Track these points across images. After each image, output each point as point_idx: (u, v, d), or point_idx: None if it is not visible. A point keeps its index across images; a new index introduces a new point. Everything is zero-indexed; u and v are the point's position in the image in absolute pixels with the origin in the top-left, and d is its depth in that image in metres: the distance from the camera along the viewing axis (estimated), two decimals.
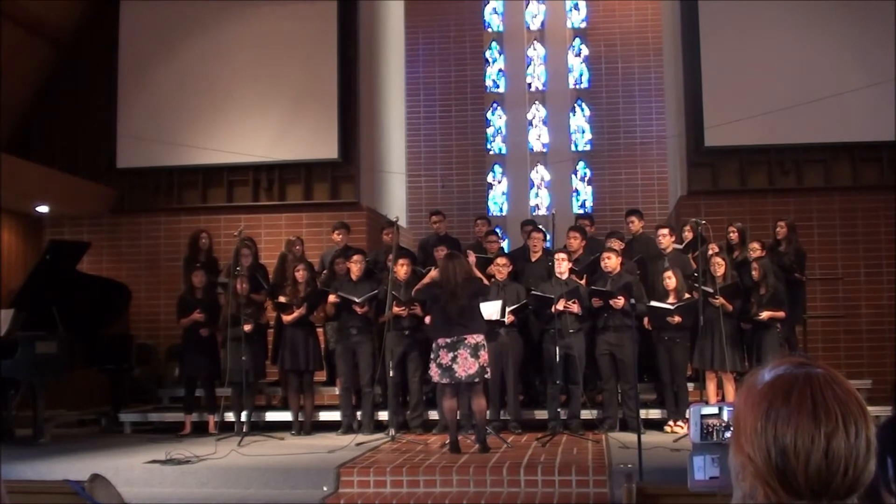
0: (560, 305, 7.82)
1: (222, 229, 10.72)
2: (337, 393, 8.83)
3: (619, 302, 7.86)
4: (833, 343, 10.14)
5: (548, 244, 9.32)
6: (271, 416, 9.10)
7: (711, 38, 10.56)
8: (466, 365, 6.99)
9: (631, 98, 13.95)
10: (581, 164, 14.30)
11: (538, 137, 14.53)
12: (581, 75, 14.43)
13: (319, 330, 9.06)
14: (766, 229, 9.37)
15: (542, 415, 8.40)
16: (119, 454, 7.49)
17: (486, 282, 7.86)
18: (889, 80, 9.84)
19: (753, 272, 8.07)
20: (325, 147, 11.06)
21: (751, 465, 1.16)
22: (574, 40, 14.51)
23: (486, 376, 7.19)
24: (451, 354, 7.00)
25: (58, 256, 8.99)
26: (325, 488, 6.29)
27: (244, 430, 8.33)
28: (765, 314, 7.88)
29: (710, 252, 8.23)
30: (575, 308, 7.99)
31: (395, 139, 12.94)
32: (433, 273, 7.84)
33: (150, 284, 11.10)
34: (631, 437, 6.66)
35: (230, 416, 8.75)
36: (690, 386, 8.44)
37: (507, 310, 8.01)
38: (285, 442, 8.06)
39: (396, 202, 12.49)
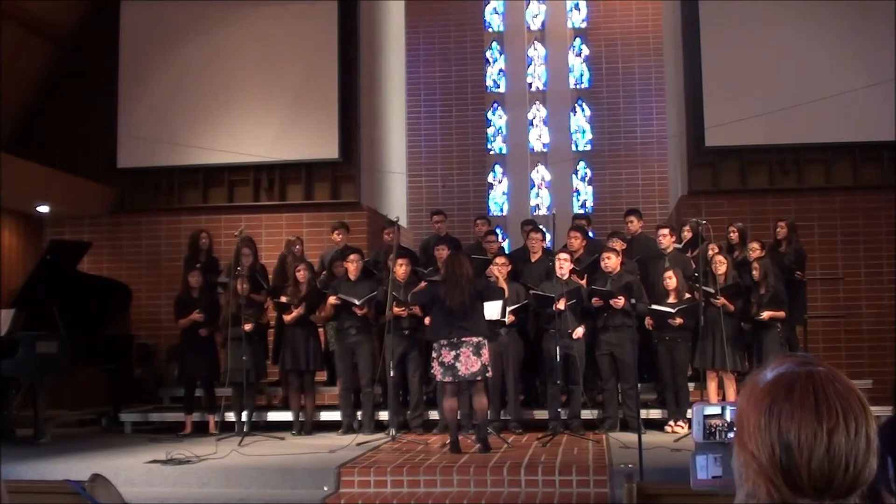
0: (561, 304, 7.82)
1: (223, 229, 10.71)
2: (337, 393, 8.83)
3: (620, 302, 7.86)
4: (834, 343, 10.13)
5: (548, 244, 9.31)
6: (272, 416, 9.10)
7: (711, 38, 10.56)
8: (469, 363, 7.00)
9: (631, 98, 13.95)
10: (581, 164, 14.30)
11: (539, 137, 14.52)
12: (581, 75, 14.44)
13: (320, 330, 9.05)
14: (766, 229, 9.38)
15: (542, 415, 8.39)
16: (119, 454, 7.50)
17: (504, 289, 7.87)
18: (889, 80, 9.83)
19: (754, 272, 8.06)
20: (325, 147, 11.06)
21: (754, 463, 1.17)
22: (574, 40, 14.51)
23: (487, 374, 7.19)
24: (453, 353, 7.01)
25: (58, 256, 8.99)
26: (325, 488, 6.29)
27: (245, 430, 8.34)
28: (765, 314, 7.88)
29: (711, 252, 8.23)
30: (580, 332, 8.00)
31: (395, 139, 12.93)
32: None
33: (151, 284, 11.10)
34: (631, 437, 6.65)
35: (231, 416, 8.74)
36: (691, 386, 8.44)
37: (508, 310, 8.01)
38: (286, 442, 8.06)
39: (397, 202, 12.49)
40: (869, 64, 10.14)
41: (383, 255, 9.37)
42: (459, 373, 7.02)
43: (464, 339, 7.01)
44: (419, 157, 14.09)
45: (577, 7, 14.59)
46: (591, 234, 10.02)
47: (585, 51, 14.42)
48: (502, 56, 14.62)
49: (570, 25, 14.51)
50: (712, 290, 7.84)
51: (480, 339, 7.07)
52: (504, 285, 7.92)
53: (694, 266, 8.40)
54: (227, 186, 11.33)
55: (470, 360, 7.00)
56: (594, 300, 8.07)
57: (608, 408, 8.22)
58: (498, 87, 14.60)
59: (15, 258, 10.94)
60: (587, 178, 14.25)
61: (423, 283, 8.22)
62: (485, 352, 7.08)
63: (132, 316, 10.83)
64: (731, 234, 8.93)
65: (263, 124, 11.11)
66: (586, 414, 8.22)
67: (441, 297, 7.12)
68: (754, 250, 8.26)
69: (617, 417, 8.12)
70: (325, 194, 11.25)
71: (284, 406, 9.10)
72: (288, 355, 8.52)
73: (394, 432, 7.90)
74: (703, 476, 1.51)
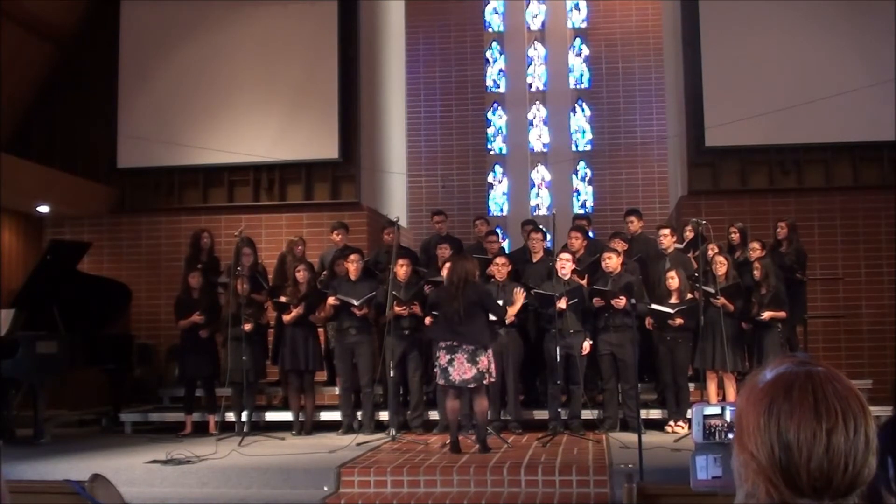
0: (562, 304, 7.81)
1: (223, 229, 10.70)
2: (337, 393, 8.83)
3: (621, 302, 7.86)
4: (834, 343, 10.13)
5: (548, 244, 9.31)
6: (272, 416, 9.09)
7: (711, 38, 10.56)
8: (462, 370, 6.98)
9: (631, 98, 13.95)
10: (581, 164, 14.30)
11: (539, 137, 14.52)
12: (581, 75, 14.43)
13: (320, 330, 9.05)
14: (766, 229, 9.37)
15: (542, 415, 8.39)
16: (119, 454, 7.50)
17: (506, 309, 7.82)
18: (889, 79, 9.83)
19: (755, 272, 8.07)
20: (325, 147, 11.05)
21: (753, 463, 1.17)
22: (574, 40, 14.51)
23: (484, 381, 7.11)
24: (448, 357, 7.00)
25: (58, 256, 8.99)
26: (325, 488, 6.29)
27: (245, 430, 8.34)
28: (766, 314, 7.88)
29: (711, 252, 8.23)
30: (587, 347, 8.00)
31: (395, 139, 12.93)
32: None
33: (151, 284, 11.10)
34: (631, 437, 6.66)
35: (231, 416, 8.75)
36: (691, 386, 8.44)
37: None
38: (286, 442, 8.06)
39: (397, 202, 12.48)
40: (869, 64, 10.14)
41: (383, 255, 9.37)
42: (451, 377, 7.01)
43: (457, 343, 7.00)
44: (419, 157, 14.09)
45: (577, 7, 14.59)
46: (591, 234, 10.02)
47: (585, 51, 14.41)
48: (502, 56, 14.62)
49: (570, 25, 14.51)
50: (712, 291, 7.85)
51: (478, 347, 7.04)
52: (518, 299, 7.88)
53: (695, 266, 8.40)
54: (227, 186, 11.33)
55: (463, 366, 6.98)
56: (595, 300, 8.07)
57: (608, 408, 8.22)
58: (498, 87, 14.60)
59: (15, 258, 10.94)
60: (587, 178, 14.25)
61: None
62: (483, 358, 7.02)
63: (132, 316, 10.84)
64: (732, 235, 8.93)
65: (263, 124, 11.10)
66: (586, 414, 8.22)
67: (440, 300, 7.12)
68: (755, 250, 8.27)
69: (617, 417, 8.12)
70: (325, 194, 11.24)
71: (284, 406, 9.10)
72: (287, 355, 8.51)
73: (394, 432, 7.90)
74: (702, 476, 1.51)
